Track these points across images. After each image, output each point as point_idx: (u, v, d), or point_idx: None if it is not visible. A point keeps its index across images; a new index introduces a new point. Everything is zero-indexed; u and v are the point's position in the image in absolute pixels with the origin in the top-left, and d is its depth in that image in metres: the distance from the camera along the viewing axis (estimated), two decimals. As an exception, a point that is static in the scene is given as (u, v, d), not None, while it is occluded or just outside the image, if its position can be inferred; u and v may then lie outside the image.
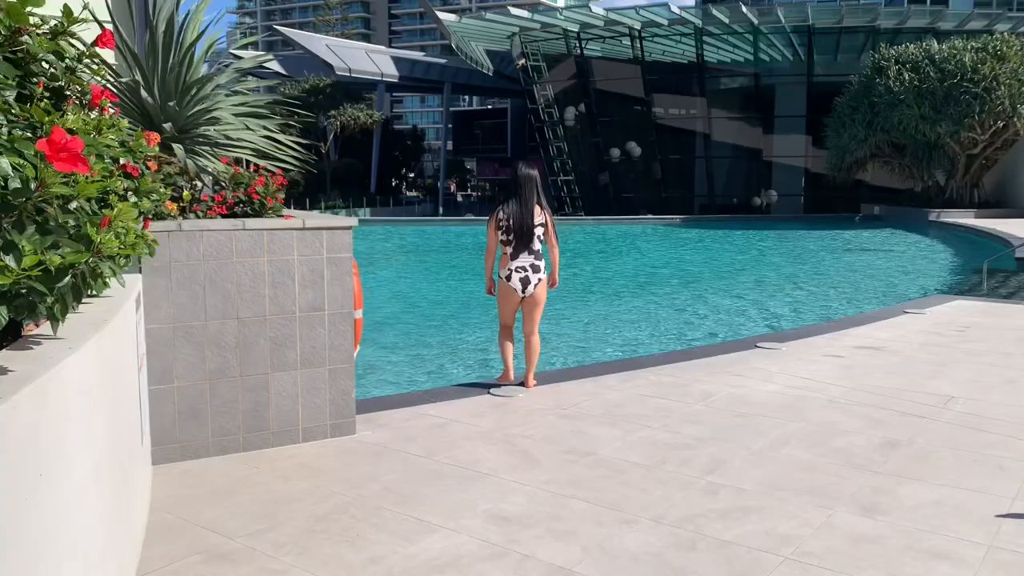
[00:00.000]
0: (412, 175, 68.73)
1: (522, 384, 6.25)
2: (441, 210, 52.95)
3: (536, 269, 6.23)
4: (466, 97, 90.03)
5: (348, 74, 50.59)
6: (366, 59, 53.36)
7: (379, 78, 53.22)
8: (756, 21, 38.01)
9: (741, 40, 41.22)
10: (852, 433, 5.12)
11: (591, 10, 42.97)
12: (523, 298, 6.24)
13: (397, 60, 56.19)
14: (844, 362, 7.04)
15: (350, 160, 54.36)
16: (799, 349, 7.54)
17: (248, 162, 5.68)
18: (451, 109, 66.01)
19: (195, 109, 5.39)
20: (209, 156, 5.39)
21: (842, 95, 33.48)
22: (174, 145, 5.12)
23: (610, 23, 40.52)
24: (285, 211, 5.36)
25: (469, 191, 76.17)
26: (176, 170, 5.04)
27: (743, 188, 43.25)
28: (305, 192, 49.11)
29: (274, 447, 4.79)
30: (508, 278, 6.21)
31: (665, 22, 39.46)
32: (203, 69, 5.63)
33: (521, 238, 6.16)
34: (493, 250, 6.31)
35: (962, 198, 31.66)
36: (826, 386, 6.23)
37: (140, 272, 4.34)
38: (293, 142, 5.73)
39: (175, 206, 4.65)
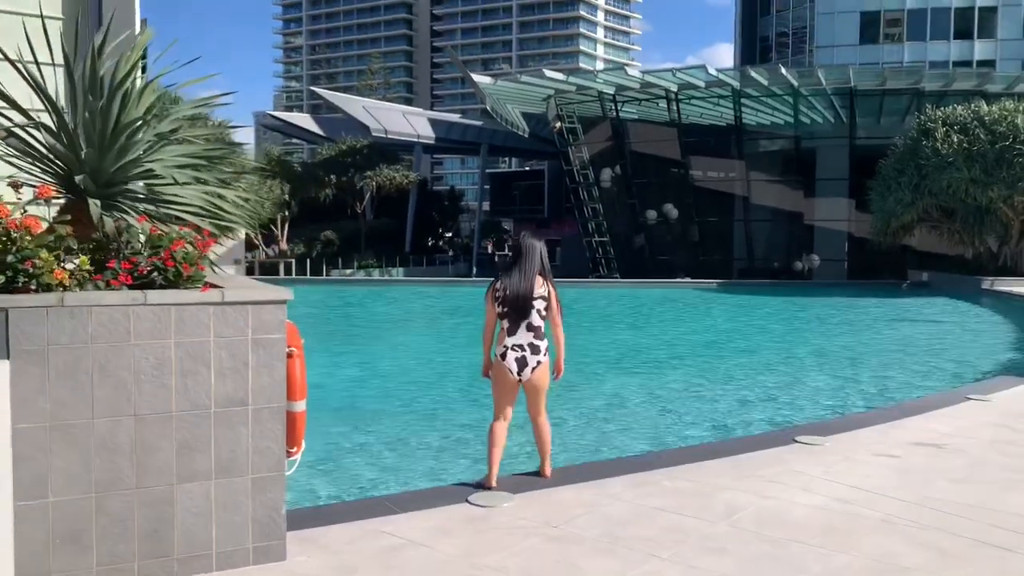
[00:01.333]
0: (449, 235, 68.58)
1: (538, 474, 5.48)
2: (475, 269, 52.28)
3: (536, 350, 5.31)
4: (506, 159, 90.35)
5: (384, 135, 50.66)
6: (403, 121, 53.51)
7: (415, 139, 53.26)
8: (796, 83, 37.19)
9: (780, 102, 40.39)
10: (917, 572, 4.00)
11: (627, 73, 42.61)
12: (520, 382, 5.29)
13: (434, 122, 56.32)
14: (900, 464, 5.90)
15: (386, 219, 54.18)
16: (845, 445, 6.41)
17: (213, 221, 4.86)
18: (489, 171, 66.03)
19: (124, 160, 4.57)
20: (135, 215, 4.56)
21: (886, 158, 32.31)
22: (90, 202, 4.29)
23: (646, 86, 40.02)
24: (220, 276, 4.48)
25: (506, 251, 75.74)
26: (114, 232, 4.20)
27: (784, 252, 41.95)
28: (339, 251, 48.94)
29: (179, 578, 3.81)
30: (503, 356, 5.29)
31: (703, 84, 38.82)
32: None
33: (518, 310, 5.27)
34: (492, 326, 5.43)
35: (1017, 265, 30.09)
36: (879, 499, 5.10)
37: (8, 358, 3.46)
38: (241, 198, 4.88)
39: (65, 274, 3.78)
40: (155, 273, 4.03)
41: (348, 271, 45.65)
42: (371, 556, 4.11)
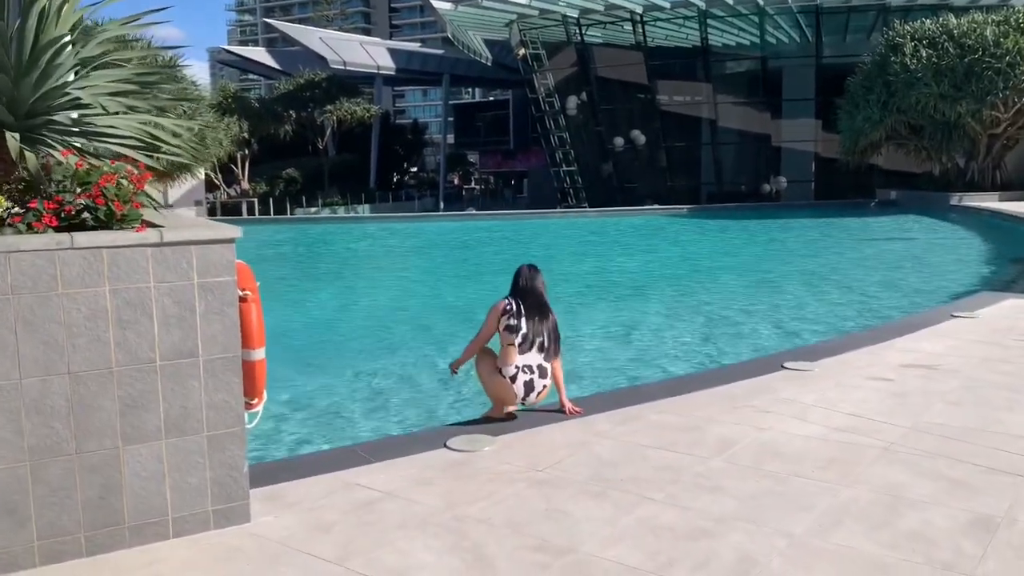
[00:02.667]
0: (414, 169, 67.39)
1: (559, 411, 5.21)
2: (442, 204, 51.55)
3: (544, 373, 5.13)
4: (469, 90, 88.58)
5: (343, 67, 49.14)
6: (361, 51, 51.93)
7: (375, 71, 51.75)
8: (761, 2, 36.37)
9: (746, 22, 39.60)
10: (926, 504, 3.77)
11: (591, -6, 41.49)
12: (522, 401, 5.13)
13: (394, 52, 54.70)
14: (894, 388, 5.67)
15: (349, 156, 52.95)
16: (836, 370, 6.17)
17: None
18: (452, 102, 64.54)
19: (45, 88, 4.07)
20: (62, 148, 4.08)
21: (854, 76, 31.89)
22: (8, 135, 3.81)
23: (611, 8, 38.92)
24: (164, 215, 4.04)
25: (473, 184, 74.85)
26: (37, 170, 3.73)
27: (751, 175, 41.67)
28: (302, 189, 47.85)
29: (132, 547, 3.46)
30: (512, 379, 5.05)
31: (668, 5, 37.86)
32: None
33: (534, 330, 5.13)
34: (485, 341, 5.18)
35: (984, 180, 30.04)
36: (878, 426, 4.87)
37: (-85, 315, 3.03)
38: (180, 126, 4.39)
39: (-20, 218, 3.33)
40: (86, 213, 3.59)
41: (312, 209, 44.70)
42: (345, 512, 3.79)
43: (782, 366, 6.26)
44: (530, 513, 3.76)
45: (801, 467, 4.24)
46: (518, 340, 5.01)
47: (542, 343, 5.09)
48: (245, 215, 41.62)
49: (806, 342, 8.62)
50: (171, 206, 38.81)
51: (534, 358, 5.06)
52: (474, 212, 41.77)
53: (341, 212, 44.79)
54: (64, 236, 3.27)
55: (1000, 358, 6.42)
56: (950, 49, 27.46)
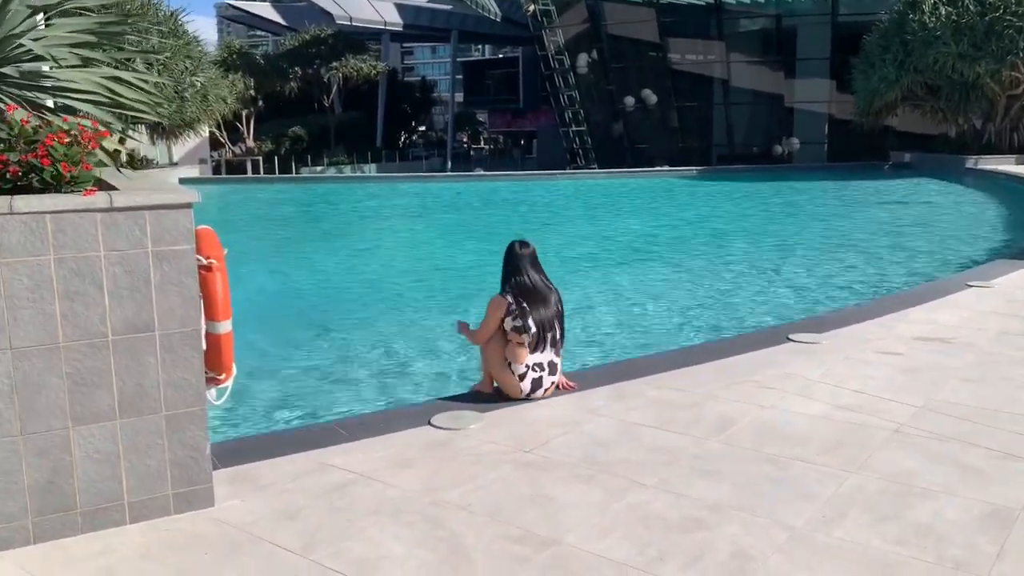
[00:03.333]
0: (423, 128, 66.67)
1: (557, 388, 4.93)
2: (450, 164, 51.00)
3: (553, 369, 4.84)
4: (478, 47, 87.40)
5: (349, 23, 48.27)
6: (368, 7, 50.98)
7: (382, 27, 50.88)
8: (778, -43, 35.49)
9: (761, -22, 38.71)
10: (938, 493, 3.51)
11: (602, -52, 40.51)
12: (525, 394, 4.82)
13: (401, 7, 53.72)
14: (905, 363, 5.39)
15: (356, 114, 52.33)
16: (844, 342, 5.89)
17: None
18: (461, 59, 63.64)
19: (-3, 37, 3.78)
20: (22, 103, 3.79)
21: (870, 34, 31.10)
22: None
23: (622, -38, 38.06)
24: (125, 177, 3.76)
25: (482, 144, 74.13)
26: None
27: (764, 136, 40.98)
28: (308, 148, 47.36)
29: (85, 534, 3.24)
30: (522, 377, 4.74)
31: (681, -41, 36.99)
32: None
33: (544, 327, 4.79)
34: (490, 336, 4.85)
35: (1001, 143, 29.36)
36: (887, 405, 4.60)
37: None
38: (141, 79, 4.08)
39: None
40: (32, 174, 3.32)
41: (318, 168, 44.27)
42: (315, 496, 3.56)
43: (788, 338, 5.98)
44: (514, 499, 3.52)
45: (804, 450, 3.98)
46: (528, 340, 4.70)
47: (553, 336, 4.80)
48: (250, 173, 41.26)
49: (814, 312, 8.32)
50: (176, 164, 38.55)
51: (546, 355, 4.77)
52: (481, 172, 41.26)
53: (347, 171, 44.38)
54: (2, 200, 3.00)
55: (1018, 331, 6.13)
56: (970, 7, 26.68)
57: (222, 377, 3.83)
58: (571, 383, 4.97)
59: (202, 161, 41.05)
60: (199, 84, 28.68)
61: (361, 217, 22.97)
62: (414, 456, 3.99)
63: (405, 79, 70.28)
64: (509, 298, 4.73)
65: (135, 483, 3.31)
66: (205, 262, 3.63)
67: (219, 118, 39.36)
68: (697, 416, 4.46)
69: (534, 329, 4.70)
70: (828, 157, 38.55)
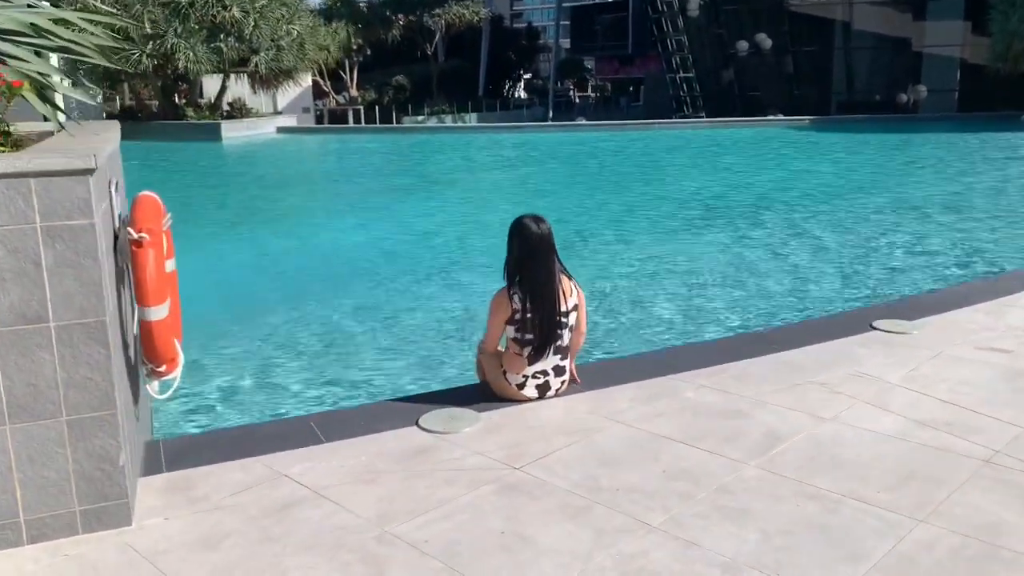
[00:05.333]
0: (528, 76, 65.51)
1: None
2: (551, 114, 49.88)
3: (560, 371, 4.08)
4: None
5: (452, -33, 47.55)
6: (472, -50, 50.02)
7: (486, -29, 49.94)
8: None
9: (890, -90, 35.64)
10: (1034, 562, 2.67)
11: None
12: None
13: (506, -49, 52.48)
14: (1013, 365, 4.42)
15: (458, 62, 51.72)
16: (939, 334, 4.93)
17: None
18: (569, 4, 61.83)
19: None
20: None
21: (1013, -31, 28.22)
22: None
23: None
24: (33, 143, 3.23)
25: (589, 92, 72.42)
26: None
27: (887, 83, 38.11)
28: (412, 97, 47.09)
29: (-27, 555, 2.78)
30: (521, 387, 4.02)
31: None
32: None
33: (546, 337, 3.98)
34: (497, 340, 4.10)
35: None
36: (982, 422, 3.70)
37: None
38: (87, 19, 3.51)
39: None
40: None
41: (420, 118, 43.98)
42: (251, 519, 3.01)
43: (871, 326, 5.06)
44: (480, 537, 2.87)
45: (862, 485, 3.17)
46: (527, 352, 3.97)
47: (559, 346, 4.03)
48: (351, 123, 41.32)
49: (914, 290, 7.25)
50: (280, 112, 38.97)
51: (548, 363, 4.02)
52: (581, 123, 40.08)
53: (448, 121, 43.92)
54: None
55: None
56: None
57: (162, 369, 3.32)
58: (577, 378, 4.24)
59: (305, 110, 41.42)
60: (295, 32, 28.54)
61: (446, 168, 22.41)
62: (384, 468, 3.38)
63: (513, 25, 69.01)
64: (515, 301, 3.95)
65: (32, 498, 2.83)
66: (135, 236, 3.09)
67: (322, 66, 39.50)
68: (737, 429, 3.68)
69: (537, 342, 3.95)
70: (959, 106, 35.62)
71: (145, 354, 3.24)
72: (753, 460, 3.39)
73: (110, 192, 3.18)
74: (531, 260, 3.94)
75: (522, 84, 62.99)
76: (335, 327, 7.20)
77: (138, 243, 3.08)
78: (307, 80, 39.24)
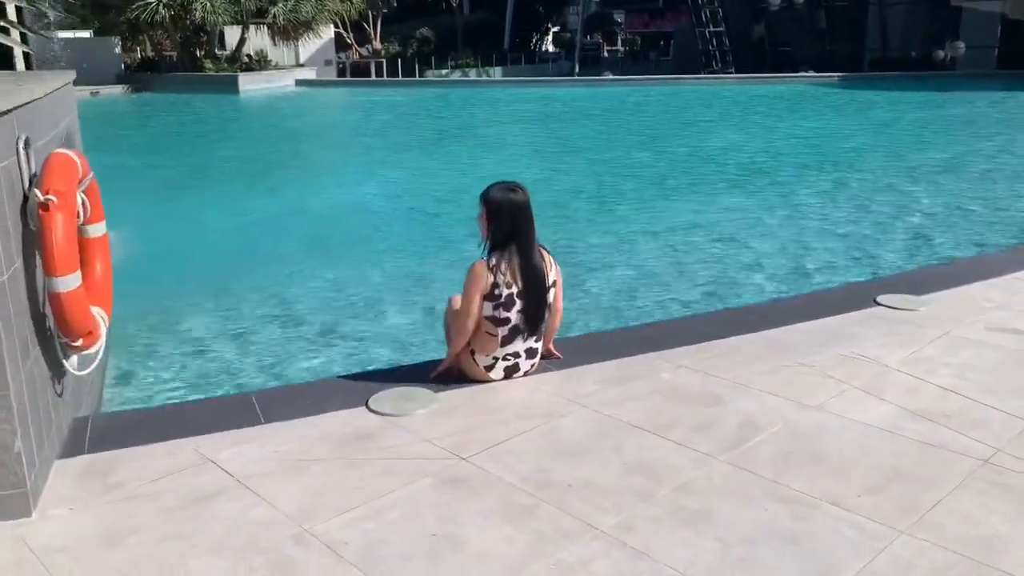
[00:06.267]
0: (556, 29, 64.31)
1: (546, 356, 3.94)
2: (577, 68, 48.88)
3: (532, 354, 3.77)
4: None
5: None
6: (500, -103, 48.76)
7: (514, -80, 48.67)
8: None
9: None
10: (1026, 585, 2.34)
11: None
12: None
13: (534, -101, 51.14)
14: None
15: (484, 15, 50.77)
16: (948, 311, 4.56)
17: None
18: (598, -45, 60.39)
19: None
20: None
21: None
22: None
23: None
24: None
25: (618, 46, 71.04)
26: None
27: (924, 39, 36.81)
28: (436, 50, 46.31)
29: None
30: (490, 368, 3.70)
31: None
32: None
33: (531, 318, 3.66)
34: (474, 321, 3.65)
35: None
36: (985, 414, 3.35)
37: None
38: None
39: None
40: None
41: (443, 71, 43.25)
42: (164, 511, 2.75)
43: (875, 301, 4.69)
44: (409, 540, 2.59)
45: (843, 484, 2.85)
46: (503, 333, 3.64)
47: (534, 326, 3.71)
48: (374, 75, 40.74)
49: (924, 262, 6.81)
50: (302, 65, 38.50)
51: (522, 343, 3.70)
52: (607, 77, 39.24)
53: (472, 75, 43.17)
54: None
55: None
56: None
57: (78, 344, 3.06)
58: (557, 353, 3.94)
59: (327, 63, 40.91)
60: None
61: (457, 124, 21.92)
62: (319, 455, 3.11)
63: (540, -23, 67.54)
64: (497, 275, 3.58)
65: (-82, 488, 2.59)
66: (42, 199, 2.82)
67: (345, 18, 38.87)
68: (711, 417, 3.36)
69: (514, 322, 3.63)
70: (999, 64, 34.33)
71: (58, 326, 2.98)
72: (724, 454, 3.08)
73: (17, 148, 2.89)
74: (517, 233, 3.59)
75: (550, 37, 61.81)
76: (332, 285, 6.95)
77: (44, 206, 2.81)
78: (329, 32, 38.67)
